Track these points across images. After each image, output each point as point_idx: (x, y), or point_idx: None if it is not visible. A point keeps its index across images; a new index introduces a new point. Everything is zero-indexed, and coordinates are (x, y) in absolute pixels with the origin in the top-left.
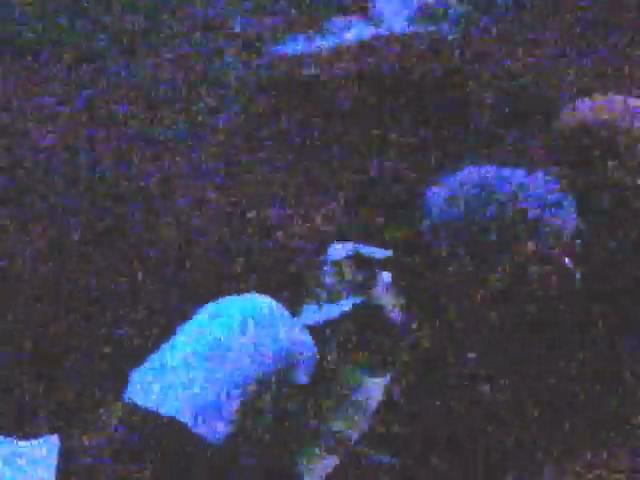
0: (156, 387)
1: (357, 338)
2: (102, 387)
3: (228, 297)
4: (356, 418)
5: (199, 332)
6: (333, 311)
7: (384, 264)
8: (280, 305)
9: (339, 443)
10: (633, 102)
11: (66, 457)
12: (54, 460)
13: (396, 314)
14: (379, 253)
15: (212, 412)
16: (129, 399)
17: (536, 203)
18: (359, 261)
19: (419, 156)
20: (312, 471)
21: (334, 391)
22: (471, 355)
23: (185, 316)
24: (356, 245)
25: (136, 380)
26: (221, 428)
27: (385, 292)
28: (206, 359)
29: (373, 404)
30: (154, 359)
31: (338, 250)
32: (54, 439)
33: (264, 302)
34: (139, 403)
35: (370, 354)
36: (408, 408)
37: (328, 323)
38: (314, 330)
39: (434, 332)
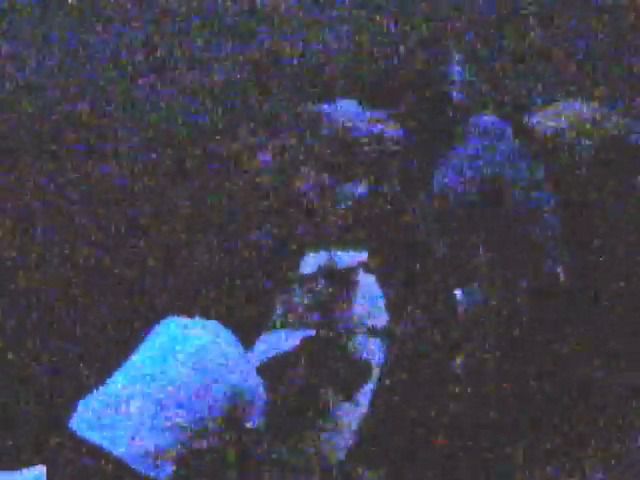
0: (104, 421)
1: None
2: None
3: (186, 321)
4: (334, 441)
5: (151, 364)
6: (288, 342)
7: (364, 267)
8: (236, 340)
9: (317, 464)
10: None
11: None
12: None
13: (382, 318)
14: (355, 257)
15: (160, 453)
16: (74, 430)
17: None
18: (333, 272)
19: None
20: None
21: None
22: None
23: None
24: (330, 253)
25: (82, 411)
26: (168, 469)
27: (365, 298)
28: (156, 401)
29: (350, 425)
30: (103, 390)
31: (311, 261)
32: (41, 469)
33: (222, 335)
34: (84, 435)
35: (332, 383)
36: (390, 423)
37: (281, 358)
38: (266, 367)
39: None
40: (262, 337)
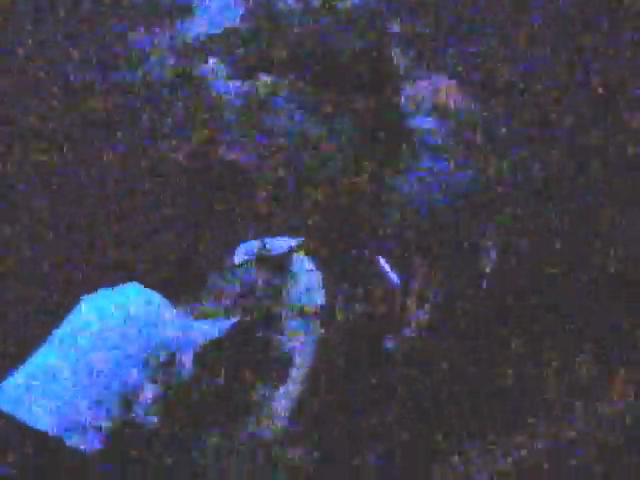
0: (27, 397)
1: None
2: None
3: (108, 291)
4: (269, 421)
5: (75, 335)
6: (214, 330)
7: (302, 250)
8: (160, 297)
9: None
10: None
11: None
12: None
13: (320, 298)
14: (291, 242)
15: (87, 426)
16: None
17: None
18: (267, 259)
19: None
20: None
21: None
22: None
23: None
24: (264, 241)
25: (6, 388)
26: (96, 442)
27: (305, 280)
28: (82, 372)
29: (280, 411)
30: (26, 367)
31: (244, 250)
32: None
33: (146, 296)
34: (9, 412)
35: (259, 371)
36: (325, 406)
37: (207, 346)
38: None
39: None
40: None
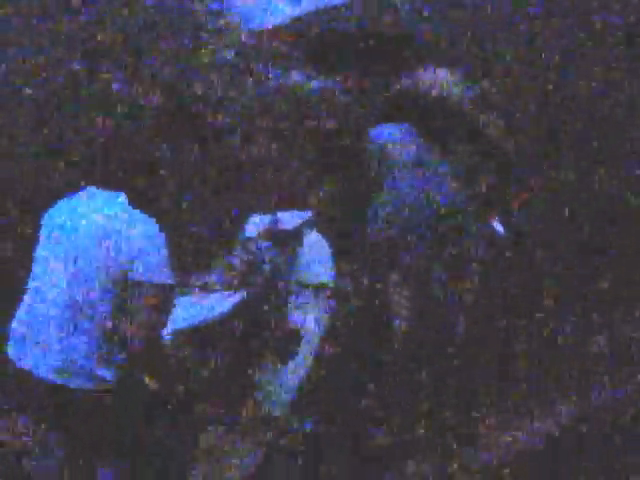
0: (29, 344)
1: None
2: None
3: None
4: (272, 399)
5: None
6: (211, 309)
7: (310, 225)
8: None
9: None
10: None
11: None
12: None
13: (328, 274)
14: (300, 216)
15: (91, 362)
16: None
17: None
18: (277, 232)
19: None
20: None
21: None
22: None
23: None
24: (274, 215)
25: (12, 334)
26: (108, 374)
27: (313, 254)
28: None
29: (289, 385)
30: (22, 309)
31: (254, 224)
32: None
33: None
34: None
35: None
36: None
37: (204, 325)
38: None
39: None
40: (199, 296)
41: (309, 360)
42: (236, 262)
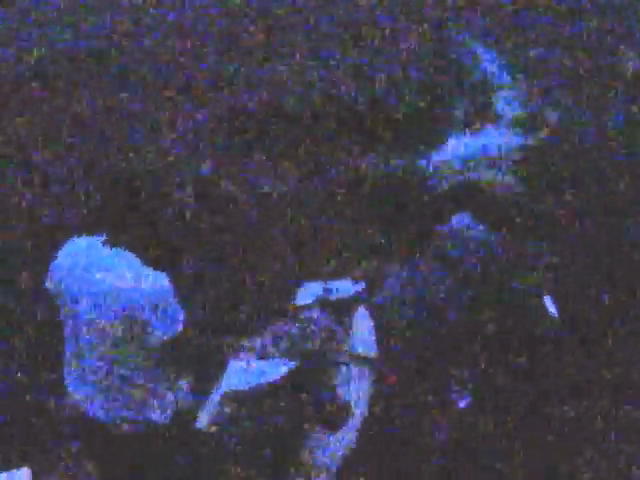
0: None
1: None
2: None
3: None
4: (319, 468)
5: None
6: (262, 375)
7: (363, 296)
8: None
9: None
10: None
11: None
12: None
13: (373, 347)
14: (350, 288)
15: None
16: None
17: None
18: (327, 305)
19: None
20: None
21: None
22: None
23: None
24: (325, 284)
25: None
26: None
27: (361, 331)
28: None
29: (336, 455)
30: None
31: (306, 292)
32: (26, 472)
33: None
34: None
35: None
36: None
37: (253, 391)
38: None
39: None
40: (250, 363)
41: (355, 433)
42: (289, 329)
